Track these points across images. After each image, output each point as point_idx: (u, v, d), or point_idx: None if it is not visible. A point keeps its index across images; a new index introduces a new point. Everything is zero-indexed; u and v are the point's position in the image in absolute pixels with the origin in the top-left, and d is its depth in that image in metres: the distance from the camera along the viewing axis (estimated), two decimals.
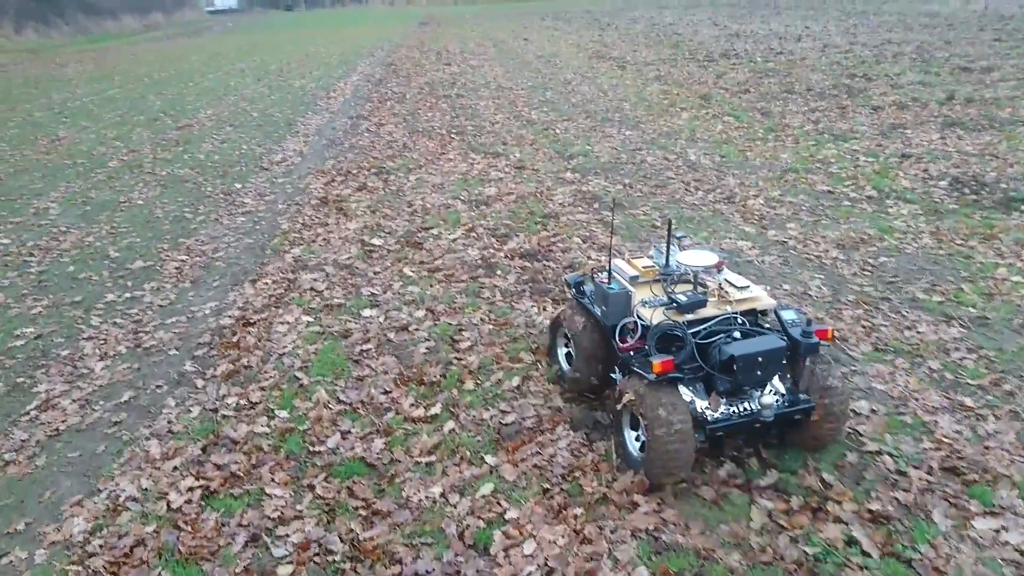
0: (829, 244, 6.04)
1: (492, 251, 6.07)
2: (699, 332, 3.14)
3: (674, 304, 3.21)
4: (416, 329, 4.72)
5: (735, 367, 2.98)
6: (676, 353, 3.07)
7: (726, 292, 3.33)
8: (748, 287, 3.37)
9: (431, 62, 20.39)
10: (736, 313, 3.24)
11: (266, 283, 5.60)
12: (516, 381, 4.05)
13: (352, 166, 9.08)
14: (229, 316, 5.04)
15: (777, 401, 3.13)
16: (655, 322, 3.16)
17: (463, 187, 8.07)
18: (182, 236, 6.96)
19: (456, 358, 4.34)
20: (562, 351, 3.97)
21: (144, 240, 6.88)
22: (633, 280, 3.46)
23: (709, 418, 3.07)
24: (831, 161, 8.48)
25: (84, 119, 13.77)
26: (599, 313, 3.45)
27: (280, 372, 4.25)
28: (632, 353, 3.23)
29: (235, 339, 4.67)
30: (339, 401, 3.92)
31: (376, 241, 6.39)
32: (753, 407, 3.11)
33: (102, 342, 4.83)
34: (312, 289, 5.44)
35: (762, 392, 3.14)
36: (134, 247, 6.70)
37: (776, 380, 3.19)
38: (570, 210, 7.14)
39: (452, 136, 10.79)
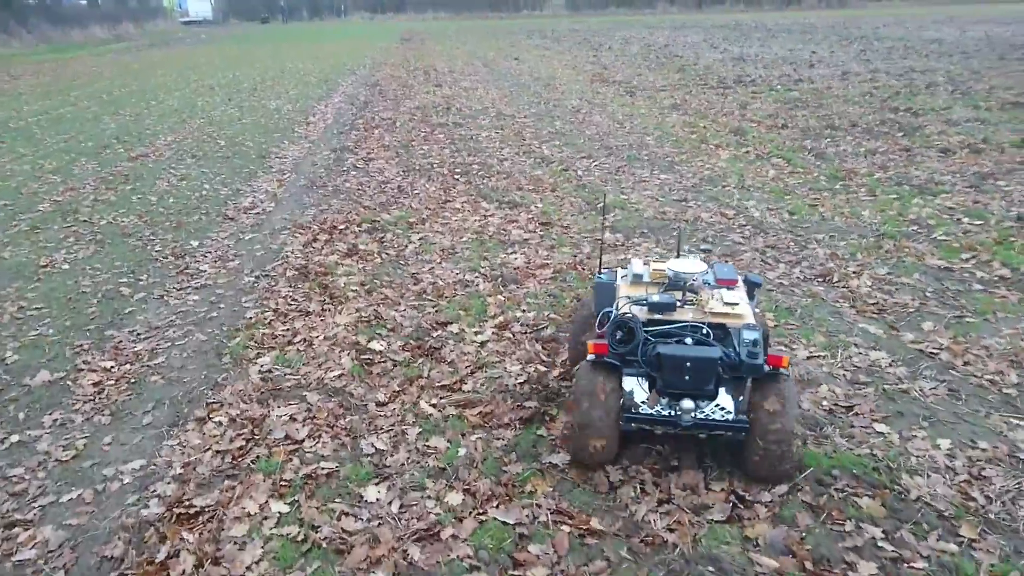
0: (998, 360, 4.42)
1: (540, 367, 4.36)
2: (656, 330, 3.27)
3: (645, 302, 3.35)
4: (453, 535, 2.98)
5: (663, 366, 3.14)
6: (627, 344, 3.19)
7: (708, 304, 3.40)
8: (737, 304, 3.40)
9: (419, 83, 18.73)
10: (703, 324, 3.30)
11: (219, 423, 3.85)
12: None
13: (338, 219, 7.34)
14: (158, 497, 3.28)
15: (713, 416, 3.20)
16: (618, 313, 3.31)
17: (480, 253, 6.38)
18: (111, 325, 5.18)
19: None
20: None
21: (59, 331, 5.10)
22: (636, 278, 3.58)
23: (640, 410, 3.21)
24: (929, 223, 6.91)
25: (23, 144, 11.90)
26: (594, 302, 3.69)
27: None
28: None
29: (160, 557, 2.91)
30: None
31: (376, 345, 4.66)
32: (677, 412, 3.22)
33: None
34: (288, 438, 3.69)
35: (704, 402, 3.23)
36: (42, 344, 4.91)
37: (726, 398, 3.23)
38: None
39: (455, 177, 9.10)
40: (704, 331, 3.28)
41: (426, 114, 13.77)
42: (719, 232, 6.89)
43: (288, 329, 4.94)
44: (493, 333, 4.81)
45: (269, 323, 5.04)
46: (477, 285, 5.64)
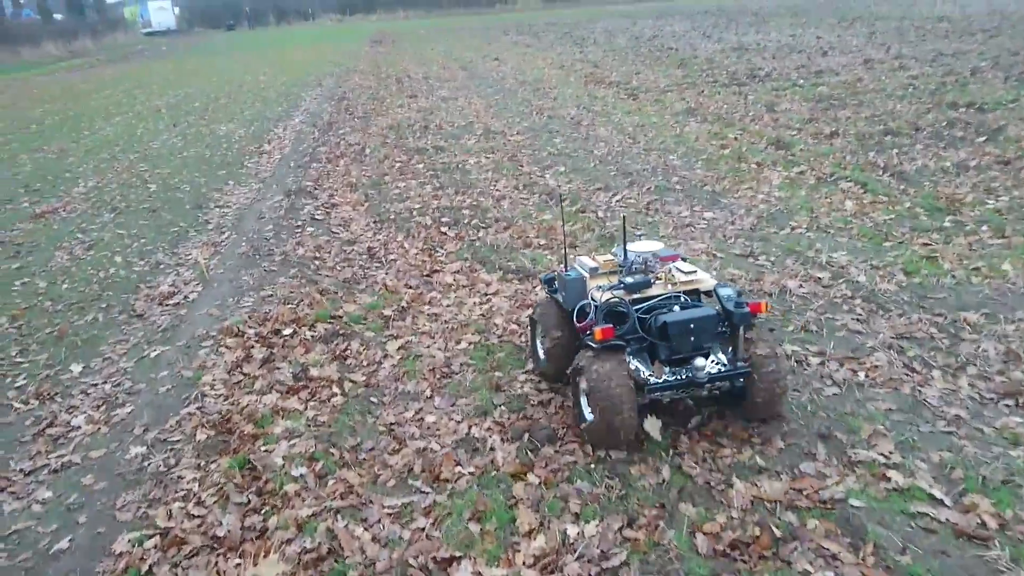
0: None
1: None
2: (641, 308, 3.50)
3: (622, 286, 3.58)
4: None
5: (669, 334, 3.38)
6: (621, 327, 3.37)
7: (672, 276, 3.69)
8: (695, 271, 3.70)
9: (392, 94, 16.61)
10: (679, 293, 3.58)
11: None
12: None
13: (285, 315, 5.25)
14: None
15: (719, 369, 3.42)
16: (603, 300, 3.50)
17: (488, 372, 4.34)
18: None
19: None
20: (539, 344, 4.12)
21: None
22: (593, 271, 3.79)
23: (651, 382, 3.37)
24: None
25: None
26: (561, 299, 3.76)
27: None
28: (586, 331, 3.47)
29: None
30: None
31: None
32: (691, 374, 3.42)
33: None
34: None
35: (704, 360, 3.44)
36: None
37: (719, 353, 3.49)
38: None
39: (442, 229, 7.04)
40: (682, 299, 3.56)
41: (401, 135, 11.68)
42: (820, 310, 4.88)
43: None
44: None
45: (149, 571, 2.95)
46: (492, 451, 3.58)
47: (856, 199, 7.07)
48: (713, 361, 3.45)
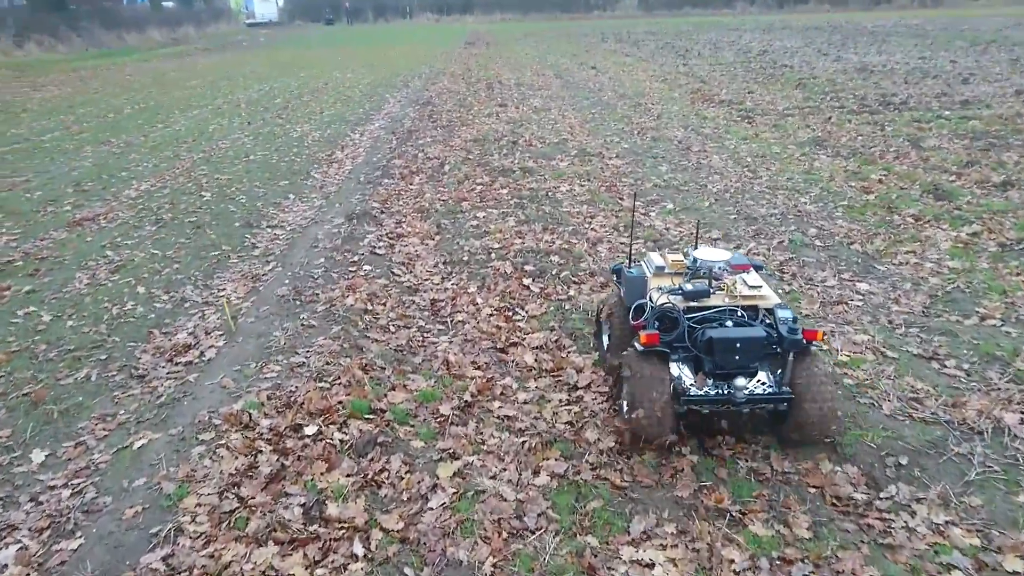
0: None
1: None
2: (695, 316, 3.41)
3: (680, 291, 3.47)
4: None
5: (714, 349, 3.29)
6: (670, 332, 3.32)
7: (734, 289, 3.50)
8: (760, 287, 3.53)
9: (480, 101, 15.42)
10: (737, 307, 3.46)
11: None
12: None
13: (312, 399, 4.01)
14: None
15: (762, 391, 3.32)
16: (658, 303, 3.45)
17: (573, 532, 3.01)
18: None
19: None
20: (604, 335, 4.16)
21: None
22: (659, 270, 3.67)
23: (690, 392, 3.30)
24: None
25: None
26: (623, 293, 3.81)
27: None
28: (637, 331, 3.39)
29: None
30: None
31: None
32: (732, 391, 3.32)
33: None
34: None
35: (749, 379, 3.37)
36: None
37: (767, 374, 3.39)
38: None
39: (525, 281, 5.73)
40: (739, 314, 3.44)
41: (486, 151, 10.42)
42: None
43: None
44: None
45: None
46: None
47: None
48: (759, 382, 3.37)
